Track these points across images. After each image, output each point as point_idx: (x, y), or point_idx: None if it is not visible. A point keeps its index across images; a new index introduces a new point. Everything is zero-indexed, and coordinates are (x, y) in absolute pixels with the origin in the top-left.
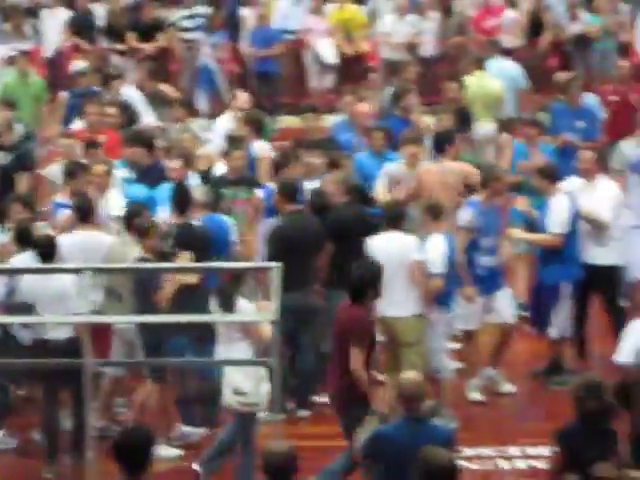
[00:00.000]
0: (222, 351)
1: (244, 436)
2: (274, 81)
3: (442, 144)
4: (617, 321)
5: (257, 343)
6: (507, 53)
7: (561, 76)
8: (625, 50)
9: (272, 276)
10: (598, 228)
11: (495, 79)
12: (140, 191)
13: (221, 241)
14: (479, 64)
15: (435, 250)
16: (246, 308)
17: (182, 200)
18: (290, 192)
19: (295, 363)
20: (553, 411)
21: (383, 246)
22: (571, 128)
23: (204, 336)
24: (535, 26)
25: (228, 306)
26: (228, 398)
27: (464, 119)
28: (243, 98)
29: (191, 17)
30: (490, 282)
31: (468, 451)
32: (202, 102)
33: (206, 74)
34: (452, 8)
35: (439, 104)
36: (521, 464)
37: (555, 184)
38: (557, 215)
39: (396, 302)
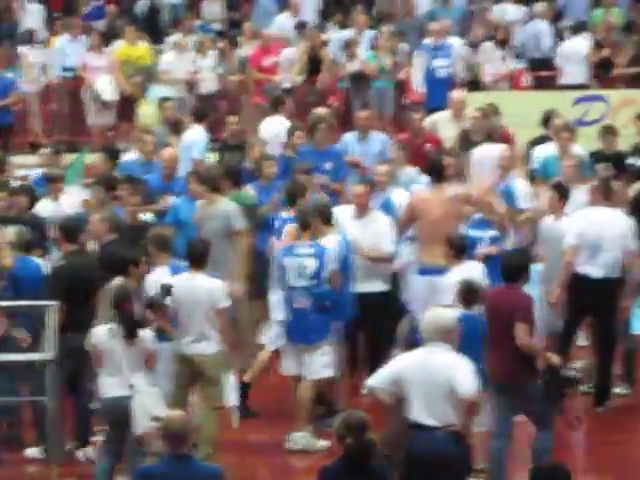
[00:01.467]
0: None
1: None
2: (9, 132)
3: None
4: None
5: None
6: (287, 92)
7: (310, 117)
8: (402, 88)
9: (49, 316)
10: (380, 262)
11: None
12: None
13: (33, 283)
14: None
15: None
16: (148, 336)
17: None
18: (69, 231)
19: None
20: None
21: (186, 286)
22: (318, 169)
23: None
24: (313, 64)
25: (133, 334)
26: (143, 425)
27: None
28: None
29: None
30: None
31: None
32: None
33: None
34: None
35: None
36: None
37: (330, 224)
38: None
39: (202, 340)
